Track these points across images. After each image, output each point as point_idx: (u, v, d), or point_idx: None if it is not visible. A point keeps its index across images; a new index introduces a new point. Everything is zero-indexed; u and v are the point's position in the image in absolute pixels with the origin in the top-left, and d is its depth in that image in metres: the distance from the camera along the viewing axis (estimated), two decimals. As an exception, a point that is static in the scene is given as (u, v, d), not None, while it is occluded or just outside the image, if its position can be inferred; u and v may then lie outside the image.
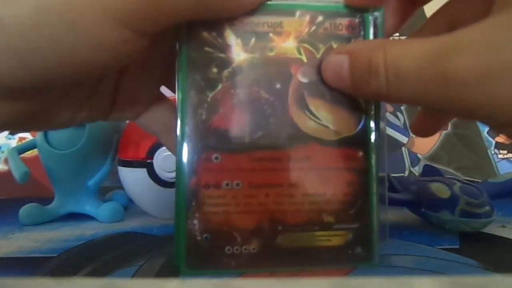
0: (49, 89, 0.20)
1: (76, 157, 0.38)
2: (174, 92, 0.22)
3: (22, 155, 0.39)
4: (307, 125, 0.21)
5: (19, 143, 0.44)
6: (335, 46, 0.22)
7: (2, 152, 0.56)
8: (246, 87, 0.21)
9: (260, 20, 0.21)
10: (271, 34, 0.21)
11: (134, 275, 0.24)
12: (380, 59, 0.18)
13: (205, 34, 0.21)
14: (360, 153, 0.22)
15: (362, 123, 0.22)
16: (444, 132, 0.57)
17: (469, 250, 0.27)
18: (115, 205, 0.39)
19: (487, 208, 0.30)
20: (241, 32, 0.21)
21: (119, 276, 0.24)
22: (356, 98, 0.22)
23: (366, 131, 0.22)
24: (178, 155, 0.21)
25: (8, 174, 0.46)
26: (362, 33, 0.22)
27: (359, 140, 0.22)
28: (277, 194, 0.21)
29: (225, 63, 0.21)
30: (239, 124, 0.21)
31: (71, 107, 0.22)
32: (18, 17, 0.17)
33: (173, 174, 0.36)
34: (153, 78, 0.24)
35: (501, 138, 0.57)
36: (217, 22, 0.21)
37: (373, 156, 0.22)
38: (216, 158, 0.21)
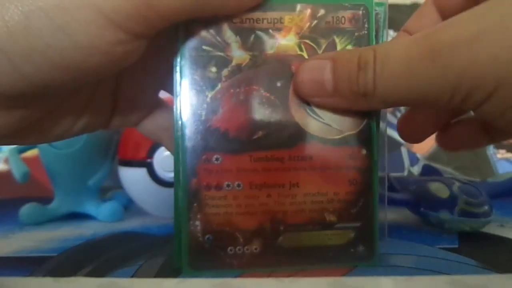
0: (45, 95, 0.19)
1: (77, 157, 0.38)
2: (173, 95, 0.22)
3: (23, 155, 0.39)
4: (308, 123, 0.21)
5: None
6: (337, 40, 0.21)
7: (3, 152, 0.56)
8: (246, 86, 0.21)
9: (260, 16, 0.21)
10: (271, 31, 0.21)
11: (134, 275, 0.24)
12: (370, 52, 0.18)
13: (203, 32, 0.21)
14: (363, 152, 0.22)
15: (365, 120, 0.21)
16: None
17: (468, 250, 0.27)
18: (115, 204, 0.39)
19: (486, 207, 0.30)
20: (240, 30, 0.21)
21: (119, 276, 0.24)
22: None
23: (369, 129, 0.22)
24: (176, 156, 0.21)
25: (8, 174, 0.45)
26: (366, 25, 0.21)
27: (362, 138, 0.21)
28: (279, 194, 0.21)
29: (224, 62, 0.21)
30: (239, 124, 0.21)
31: (69, 117, 0.22)
32: (7, 20, 0.16)
33: (173, 174, 0.36)
34: (152, 83, 0.24)
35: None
36: (216, 20, 0.20)
37: (376, 155, 0.22)
38: (217, 159, 0.21)
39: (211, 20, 0.21)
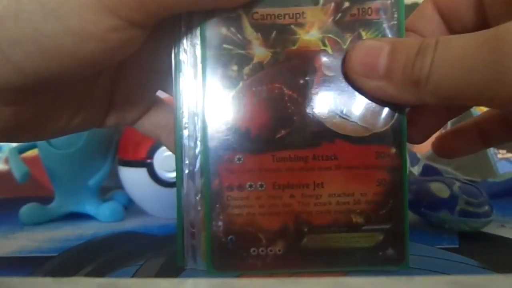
0: (39, 90, 0.19)
1: (77, 157, 0.38)
2: (171, 94, 0.21)
3: (23, 155, 0.39)
4: (333, 122, 0.20)
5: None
6: (363, 33, 0.20)
7: (3, 152, 0.56)
8: (268, 84, 0.20)
9: (281, 12, 0.20)
10: (292, 26, 0.20)
11: (134, 275, 0.24)
12: (433, 40, 0.17)
13: (223, 30, 0.20)
14: (393, 150, 0.20)
15: (394, 118, 0.20)
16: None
17: (468, 250, 0.27)
18: (116, 204, 0.39)
19: (487, 207, 0.30)
20: (261, 26, 0.20)
21: (119, 276, 0.24)
22: None
23: (399, 127, 0.20)
24: (178, 156, 0.21)
25: (8, 174, 0.46)
26: (395, 15, 0.20)
27: (391, 137, 0.20)
28: (303, 195, 0.21)
29: (245, 60, 0.20)
30: (261, 123, 0.20)
31: (65, 113, 0.21)
32: None
33: (173, 174, 0.36)
34: (150, 81, 0.24)
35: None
36: (236, 17, 0.20)
37: (406, 154, 0.21)
38: (239, 159, 0.20)
39: (232, 18, 0.20)
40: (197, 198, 0.21)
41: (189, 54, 0.21)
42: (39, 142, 0.39)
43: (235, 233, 0.21)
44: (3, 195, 0.51)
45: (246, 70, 0.20)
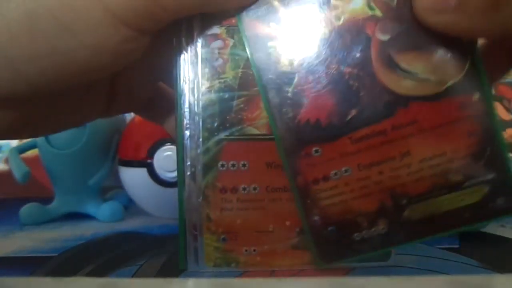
0: (47, 96, 0.19)
1: (77, 157, 0.38)
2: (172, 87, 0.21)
3: (23, 155, 0.39)
4: (402, 85, 0.19)
5: (20, 142, 0.44)
6: None
7: (3, 152, 0.56)
8: (324, 67, 0.19)
9: None
10: (332, 1, 0.19)
11: (134, 275, 0.24)
12: None
13: (263, 28, 0.20)
14: (476, 96, 0.19)
15: (468, 61, 0.19)
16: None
17: (469, 250, 0.27)
18: (116, 204, 0.39)
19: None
20: (299, 11, 0.19)
21: (119, 276, 0.24)
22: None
23: (475, 69, 0.19)
24: (179, 154, 0.21)
25: (8, 174, 0.45)
26: None
27: (470, 82, 0.19)
28: (392, 168, 0.20)
29: (294, 51, 0.19)
30: (328, 109, 0.19)
31: (68, 108, 0.21)
32: (9, 23, 0.15)
33: (174, 174, 0.36)
34: (151, 72, 0.23)
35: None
36: (270, 12, 0.19)
37: (490, 95, 0.19)
38: (316, 151, 0.20)
39: (266, 14, 0.19)
40: (199, 200, 0.21)
41: (190, 53, 0.21)
42: (39, 143, 0.39)
43: (334, 223, 0.20)
44: (3, 195, 0.51)
45: (298, 61, 0.19)
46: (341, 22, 0.19)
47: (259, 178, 0.21)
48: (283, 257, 0.22)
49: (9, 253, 0.29)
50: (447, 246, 0.28)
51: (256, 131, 0.21)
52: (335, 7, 0.19)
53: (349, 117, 0.19)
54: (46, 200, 0.39)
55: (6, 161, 0.55)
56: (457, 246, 0.28)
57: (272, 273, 0.22)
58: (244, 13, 0.20)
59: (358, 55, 0.19)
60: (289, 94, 0.20)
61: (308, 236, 0.21)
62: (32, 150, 0.41)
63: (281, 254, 0.22)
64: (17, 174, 0.36)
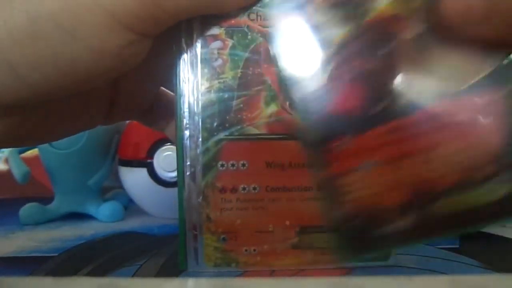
0: (49, 102, 0.19)
1: (77, 157, 0.38)
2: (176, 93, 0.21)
3: (23, 155, 0.39)
4: (428, 82, 0.19)
5: (20, 143, 0.44)
6: None
7: (3, 152, 0.56)
8: (349, 64, 0.20)
9: None
10: None
11: (134, 275, 0.24)
12: None
13: (291, 23, 0.20)
14: (500, 94, 0.19)
15: (493, 59, 0.19)
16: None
17: (469, 250, 0.27)
18: (116, 204, 0.39)
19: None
20: (326, 8, 0.20)
21: (119, 276, 0.24)
22: None
23: (500, 66, 0.19)
24: (179, 154, 0.21)
25: (8, 174, 0.45)
26: None
27: (494, 80, 0.19)
28: (416, 163, 0.20)
29: (319, 47, 0.20)
30: (355, 104, 0.20)
31: (69, 116, 0.21)
32: (11, 28, 0.15)
33: (173, 174, 0.36)
34: (152, 79, 0.24)
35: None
36: (303, 4, 0.19)
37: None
38: (345, 143, 0.20)
39: (297, 8, 0.20)
40: (199, 200, 0.21)
41: (189, 53, 0.21)
42: (39, 142, 0.39)
43: (359, 217, 0.20)
44: (3, 195, 0.51)
45: (325, 55, 0.20)
46: (369, 18, 0.19)
47: (258, 178, 0.21)
48: (283, 257, 0.22)
49: (9, 253, 0.29)
50: (447, 246, 0.28)
51: (255, 131, 0.21)
52: (362, 3, 0.19)
53: (375, 112, 0.20)
54: (46, 200, 0.39)
55: (6, 161, 0.55)
56: (457, 246, 0.28)
57: (272, 273, 0.22)
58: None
59: (383, 52, 0.19)
60: (317, 89, 0.20)
61: (333, 230, 0.20)
62: (32, 150, 0.41)
63: (281, 254, 0.22)
64: (17, 174, 0.36)
